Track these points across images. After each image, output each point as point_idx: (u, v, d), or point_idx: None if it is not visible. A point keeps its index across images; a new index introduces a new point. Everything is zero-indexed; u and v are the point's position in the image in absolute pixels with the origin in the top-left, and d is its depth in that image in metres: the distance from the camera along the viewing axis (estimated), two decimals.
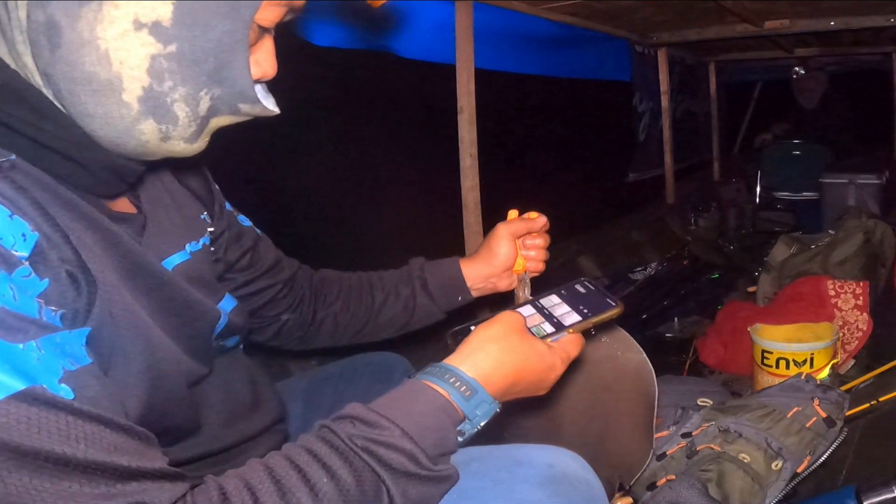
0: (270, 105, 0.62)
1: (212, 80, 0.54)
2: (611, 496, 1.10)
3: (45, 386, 0.44)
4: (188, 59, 0.52)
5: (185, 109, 0.54)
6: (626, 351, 1.11)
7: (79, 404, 0.45)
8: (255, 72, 0.59)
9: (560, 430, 1.11)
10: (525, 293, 0.98)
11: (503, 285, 1.00)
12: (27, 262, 0.47)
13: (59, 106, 0.53)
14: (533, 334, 0.72)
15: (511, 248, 0.98)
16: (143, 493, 0.47)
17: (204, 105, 0.55)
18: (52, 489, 0.43)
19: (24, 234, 0.48)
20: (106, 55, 0.50)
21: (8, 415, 0.42)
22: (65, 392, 0.45)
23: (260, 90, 0.62)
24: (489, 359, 0.65)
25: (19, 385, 0.43)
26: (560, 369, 0.71)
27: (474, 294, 1.02)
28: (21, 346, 0.44)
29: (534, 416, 1.13)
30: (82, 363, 0.48)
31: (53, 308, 0.49)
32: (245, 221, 0.89)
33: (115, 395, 0.51)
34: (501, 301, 1.02)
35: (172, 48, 0.51)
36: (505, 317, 0.70)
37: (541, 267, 1.00)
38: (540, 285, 0.96)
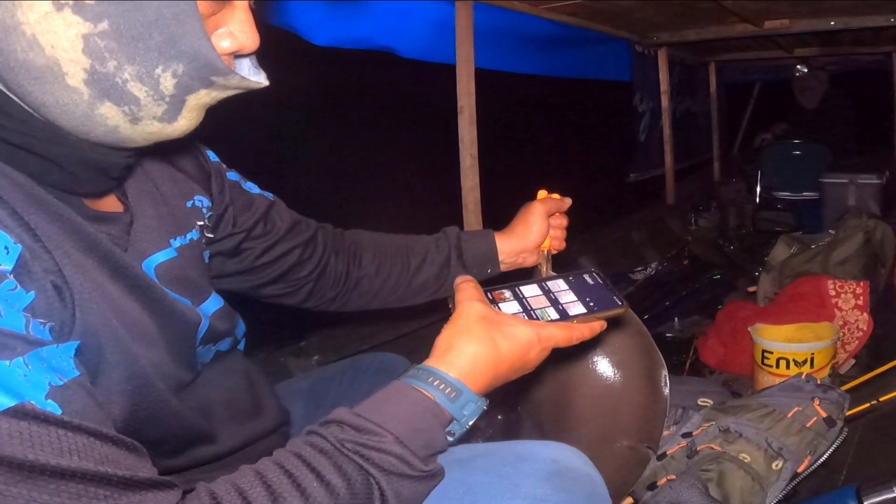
0: (256, 77, 0.58)
1: (165, 56, 0.50)
2: (646, 464, 1.13)
3: (33, 402, 0.44)
4: (127, 35, 0.49)
5: (143, 89, 0.51)
6: (635, 333, 1.14)
7: (68, 418, 0.45)
8: (231, 44, 0.56)
9: (572, 403, 1.12)
10: (547, 270, 1.03)
11: (531, 261, 1.03)
12: (12, 276, 0.46)
13: (16, 98, 0.52)
14: (537, 317, 0.72)
15: (545, 225, 1.00)
16: (144, 500, 0.46)
17: (167, 83, 0.52)
18: (51, 501, 0.43)
19: (6, 247, 0.47)
20: (34, 40, 0.47)
21: (0, 430, 0.42)
22: (52, 407, 0.45)
23: (247, 65, 0.59)
24: (464, 355, 0.64)
25: (8, 402, 0.43)
26: (539, 345, 0.69)
27: (502, 268, 1.03)
28: (8, 363, 0.44)
29: (546, 390, 1.15)
30: (70, 376, 0.48)
31: (42, 321, 0.48)
32: (253, 189, 0.88)
33: (102, 406, 0.50)
34: (517, 276, 1.04)
35: (104, 26, 0.48)
36: (464, 308, 0.68)
37: (563, 245, 1.04)
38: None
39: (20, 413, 0.43)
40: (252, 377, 0.82)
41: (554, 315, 0.74)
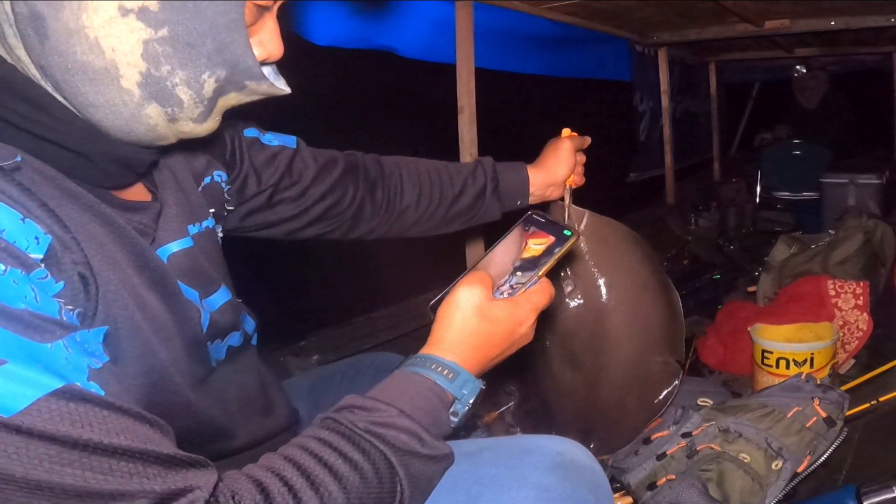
0: (281, 84, 0.61)
1: (213, 63, 0.53)
2: (679, 376, 1.22)
3: (78, 384, 0.45)
4: (182, 42, 0.51)
5: (189, 93, 0.54)
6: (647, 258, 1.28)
7: (111, 399, 0.46)
8: (260, 53, 0.58)
9: (606, 331, 1.21)
10: (569, 202, 1.14)
11: (556, 195, 1.11)
12: (42, 265, 0.47)
13: (60, 98, 0.53)
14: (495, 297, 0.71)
15: (573, 160, 1.08)
16: (190, 478, 0.47)
17: (209, 88, 0.55)
18: (105, 479, 0.43)
19: (37, 238, 0.48)
20: (96, 43, 0.49)
21: (51, 411, 0.42)
22: (95, 389, 0.46)
23: (269, 71, 0.61)
24: (457, 341, 0.67)
25: (56, 383, 0.43)
26: (530, 319, 0.71)
27: (531, 200, 1.09)
28: (49, 346, 0.44)
29: (578, 320, 1.23)
30: (103, 360, 0.49)
31: (71, 307, 0.49)
32: (273, 141, 0.90)
33: (129, 392, 0.52)
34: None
35: (164, 32, 0.50)
36: (460, 294, 0.69)
37: (583, 181, 1.13)
38: None
39: (68, 394, 0.44)
40: (264, 376, 0.82)
41: (530, 273, 0.73)
